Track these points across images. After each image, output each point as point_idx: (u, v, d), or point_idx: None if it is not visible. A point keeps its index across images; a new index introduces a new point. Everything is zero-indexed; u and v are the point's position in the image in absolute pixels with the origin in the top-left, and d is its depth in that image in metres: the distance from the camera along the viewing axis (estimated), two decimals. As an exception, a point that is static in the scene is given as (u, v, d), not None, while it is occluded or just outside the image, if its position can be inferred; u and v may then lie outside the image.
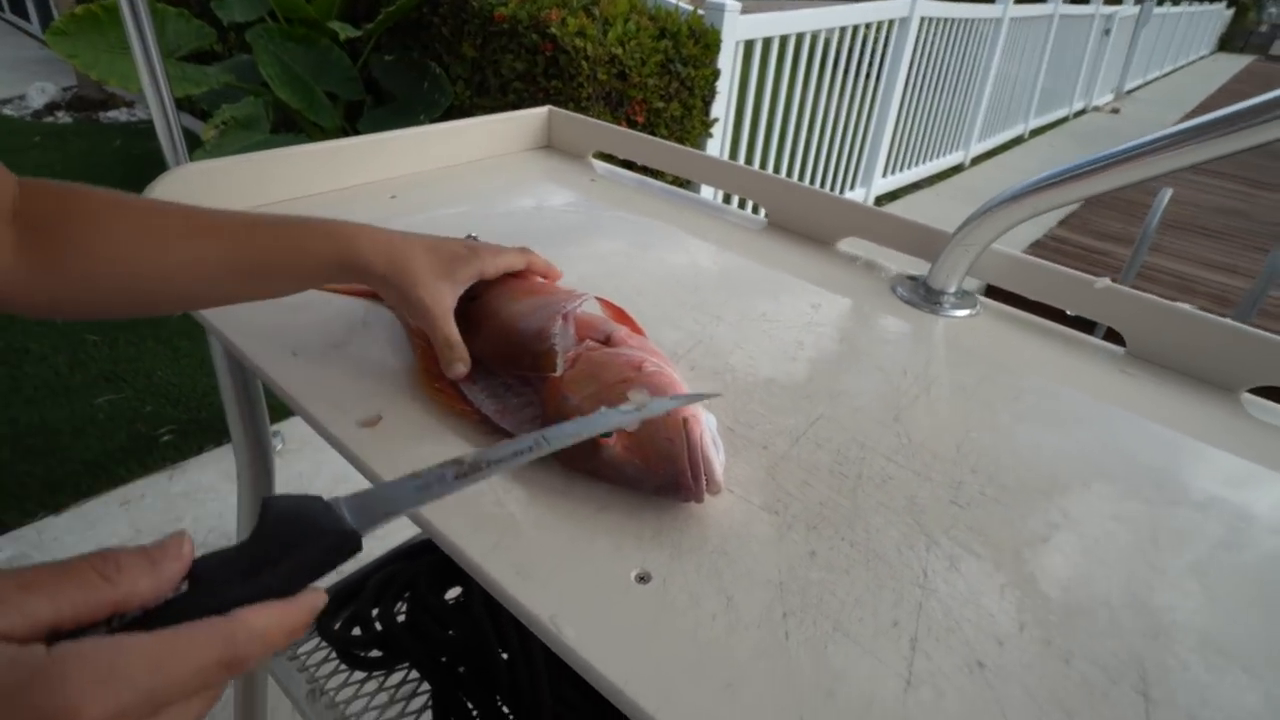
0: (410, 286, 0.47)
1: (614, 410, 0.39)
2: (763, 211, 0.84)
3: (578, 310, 0.50)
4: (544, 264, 0.57)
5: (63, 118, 3.56)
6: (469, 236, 0.58)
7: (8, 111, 3.59)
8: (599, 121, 0.96)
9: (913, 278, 0.72)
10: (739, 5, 2.43)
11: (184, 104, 2.93)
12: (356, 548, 0.28)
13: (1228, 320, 0.60)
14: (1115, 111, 7.30)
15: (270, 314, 0.55)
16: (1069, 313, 0.67)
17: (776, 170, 3.10)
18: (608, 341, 0.47)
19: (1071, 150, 5.40)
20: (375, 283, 0.48)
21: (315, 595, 0.27)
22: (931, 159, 4.32)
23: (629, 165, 0.97)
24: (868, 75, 3.35)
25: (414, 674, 0.90)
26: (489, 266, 0.51)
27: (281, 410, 1.72)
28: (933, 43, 3.64)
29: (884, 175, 3.86)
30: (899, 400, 0.54)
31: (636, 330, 0.52)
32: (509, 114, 0.96)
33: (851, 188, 3.68)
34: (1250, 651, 0.37)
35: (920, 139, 4.07)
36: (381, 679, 0.89)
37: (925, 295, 0.69)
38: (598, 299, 0.56)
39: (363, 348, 0.55)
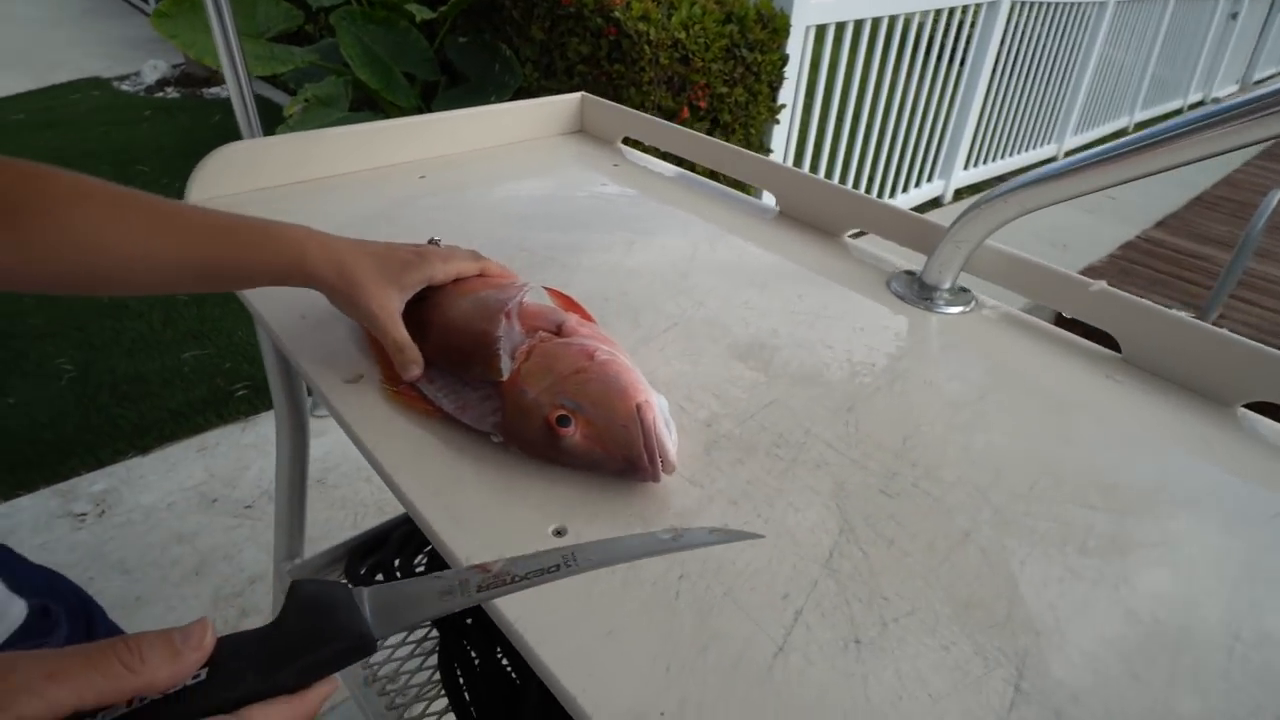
0: (358, 294, 0.49)
1: (651, 535, 0.35)
2: (771, 200, 0.85)
3: (522, 302, 0.52)
4: (497, 269, 0.57)
5: (171, 93, 3.83)
6: (431, 240, 0.60)
7: (125, 87, 3.89)
8: (627, 108, 0.98)
9: (909, 273, 0.72)
10: (811, -11, 2.39)
11: (275, 81, 3.10)
12: (371, 651, 0.28)
13: (1224, 331, 0.58)
14: (1238, 104, 6.73)
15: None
16: (1065, 314, 0.66)
17: (848, 160, 3.03)
18: (559, 331, 0.50)
19: (1181, 145, 5.03)
20: (325, 290, 0.50)
21: (328, 687, 0.27)
22: (1020, 151, 4.12)
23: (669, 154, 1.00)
24: (950, 61, 3.22)
25: (426, 621, 0.97)
26: (438, 272, 0.53)
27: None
28: (1026, 26, 3.46)
29: (965, 168, 3.71)
30: (858, 391, 0.55)
31: (587, 318, 0.54)
32: (542, 99, 0.99)
33: (929, 179, 3.56)
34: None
35: (1008, 130, 3.88)
36: (395, 623, 0.96)
37: (919, 291, 0.69)
38: (545, 288, 0.58)
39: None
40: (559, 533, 0.41)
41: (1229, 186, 4.09)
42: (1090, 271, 3.07)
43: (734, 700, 0.34)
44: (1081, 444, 0.52)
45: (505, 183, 0.87)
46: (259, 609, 1.38)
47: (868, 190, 3.18)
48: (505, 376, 0.47)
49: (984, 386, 0.57)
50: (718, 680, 0.34)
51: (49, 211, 0.43)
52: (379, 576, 1.00)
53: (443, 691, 0.91)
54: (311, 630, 0.27)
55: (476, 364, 0.48)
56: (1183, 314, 0.61)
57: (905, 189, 3.42)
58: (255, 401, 1.87)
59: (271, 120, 2.00)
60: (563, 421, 0.43)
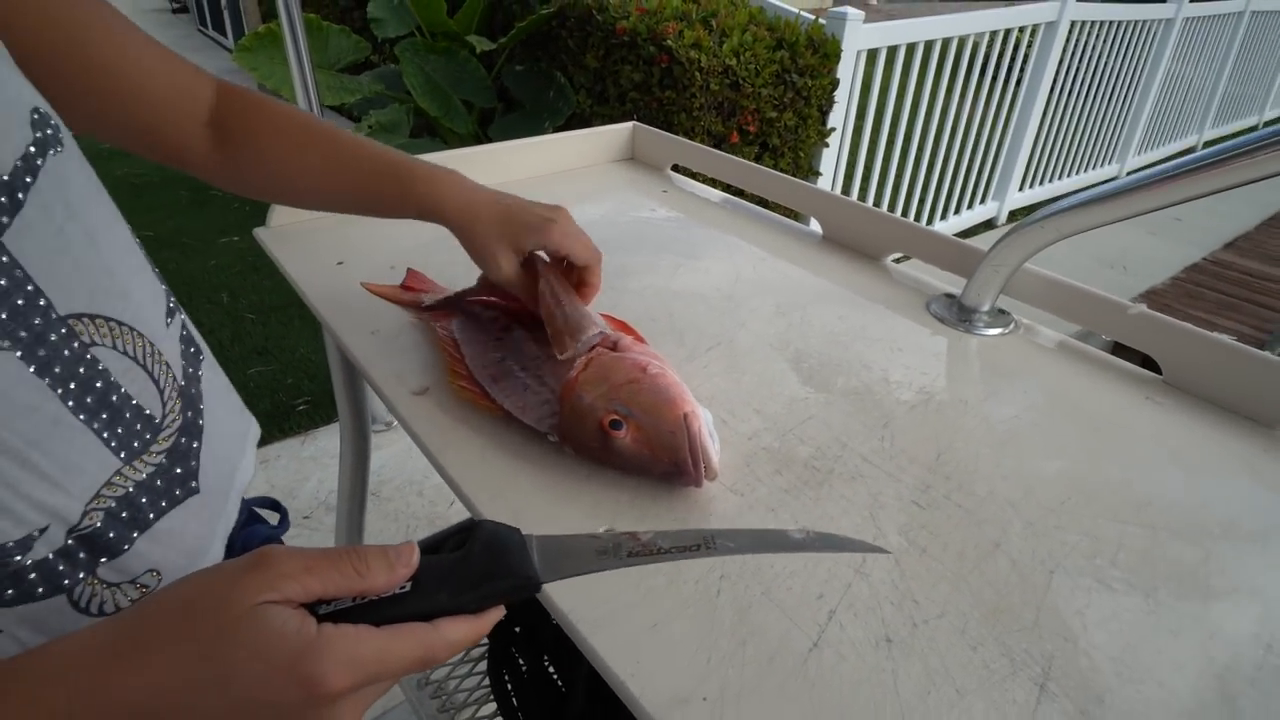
0: (470, 241, 0.57)
1: (787, 531, 0.42)
2: (818, 225, 0.88)
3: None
4: (598, 279, 0.60)
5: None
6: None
7: (206, 115, 4.15)
8: (676, 137, 1.03)
9: (949, 295, 0.74)
10: (861, 14, 2.42)
11: (341, 110, 3.26)
12: (536, 590, 0.32)
13: (1265, 353, 0.58)
14: (1315, 121, 6.47)
15: (362, 300, 0.66)
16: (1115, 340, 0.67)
17: (899, 182, 3.03)
18: (615, 347, 0.54)
19: (1251, 164, 4.85)
20: (449, 228, 0.58)
21: (496, 613, 0.32)
22: (1079, 172, 4.04)
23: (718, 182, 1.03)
24: (1006, 81, 3.20)
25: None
26: (556, 243, 0.57)
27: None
28: (1086, 45, 3.41)
29: (1021, 189, 3.66)
30: (894, 408, 0.57)
31: (639, 339, 0.58)
32: (594, 129, 1.05)
33: (983, 201, 3.52)
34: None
35: (1067, 150, 3.82)
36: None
37: (958, 313, 0.71)
38: (603, 315, 0.62)
39: (427, 331, 0.65)
40: (609, 532, 0.45)
41: (1304, 206, 3.92)
42: (1152, 294, 2.99)
43: (770, 689, 0.36)
44: (1116, 462, 0.53)
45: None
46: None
47: (919, 213, 3.16)
48: (565, 354, 0.53)
49: (1020, 406, 0.59)
50: (755, 671, 0.37)
51: (253, 141, 0.56)
52: (434, 582, 1.04)
53: (491, 697, 0.95)
54: (491, 564, 0.32)
55: (565, 337, 0.54)
56: (1225, 337, 0.61)
57: (958, 211, 3.38)
58: (315, 416, 1.96)
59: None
60: (615, 425, 0.47)
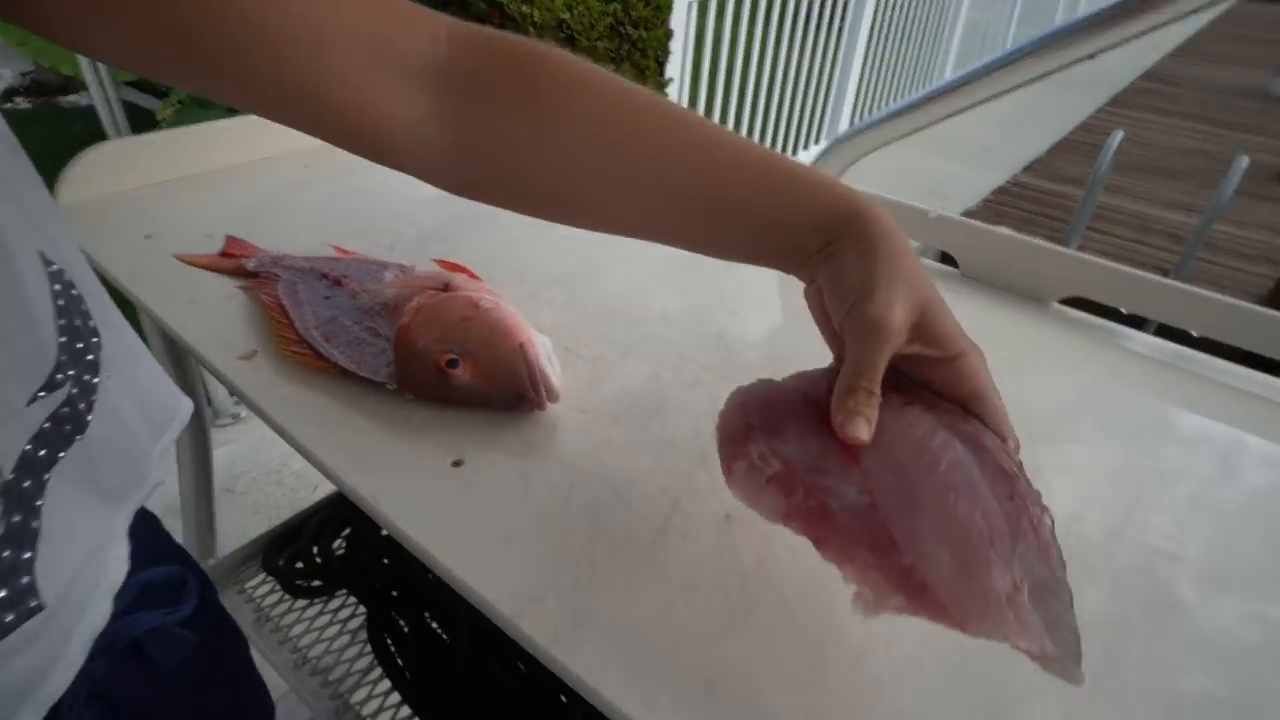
0: (877, 271, 0.34)
1: None
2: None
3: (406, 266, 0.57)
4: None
5: (21, 104, 3.56)
6: None
7: (-33, 101, 3.60)
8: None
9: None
10: (687, -36, 2.45)
11: (143, 86, 2.94)
12: None
13: (1039, 240, 0.67)
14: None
15: (179, 274, 0.62)
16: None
17: (737, 127, 3.13)
18: (447, 289, 0.54)
19: (1044, 94, 5.41)
20: (851, 285, 0.34)
21: None
22: (899, 111, 4.34)
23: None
24: (829, 29, 3.36)
25: (351, 599, 0.98)
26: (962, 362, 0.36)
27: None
28: (894, -7, 3.65)
29: (849, 126, 3.88)
30: (728, 322, 0.61)
31: (473, 277, 0.58)
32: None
33: (816, 142, 3.71)
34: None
35: (887, 91, 4.08)
36: (322, 605, 0.98)
37: (783, 230, 0.75)
38: (434, 260, 0.62)
39: (252, 299, 0.62)
40: (457, 463, 0.45)
41: (1085, 131, 4.42)
42: (967, 215, 3.28)
43: (620, 575, 0.39)
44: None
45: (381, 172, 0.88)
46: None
47: (760, 158, 3.28)
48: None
49: (840, 306, 0.64)
50: (605, 562, 0.39)
51: (546, 112, 0.36)
52: (299, 564, 1.01)
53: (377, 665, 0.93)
54: None
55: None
56: (1005, 230, 0.69)
57: (794, 152, 3.55)
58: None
59: (142, 127, 1.91)
60: (452, 364, 0.47)
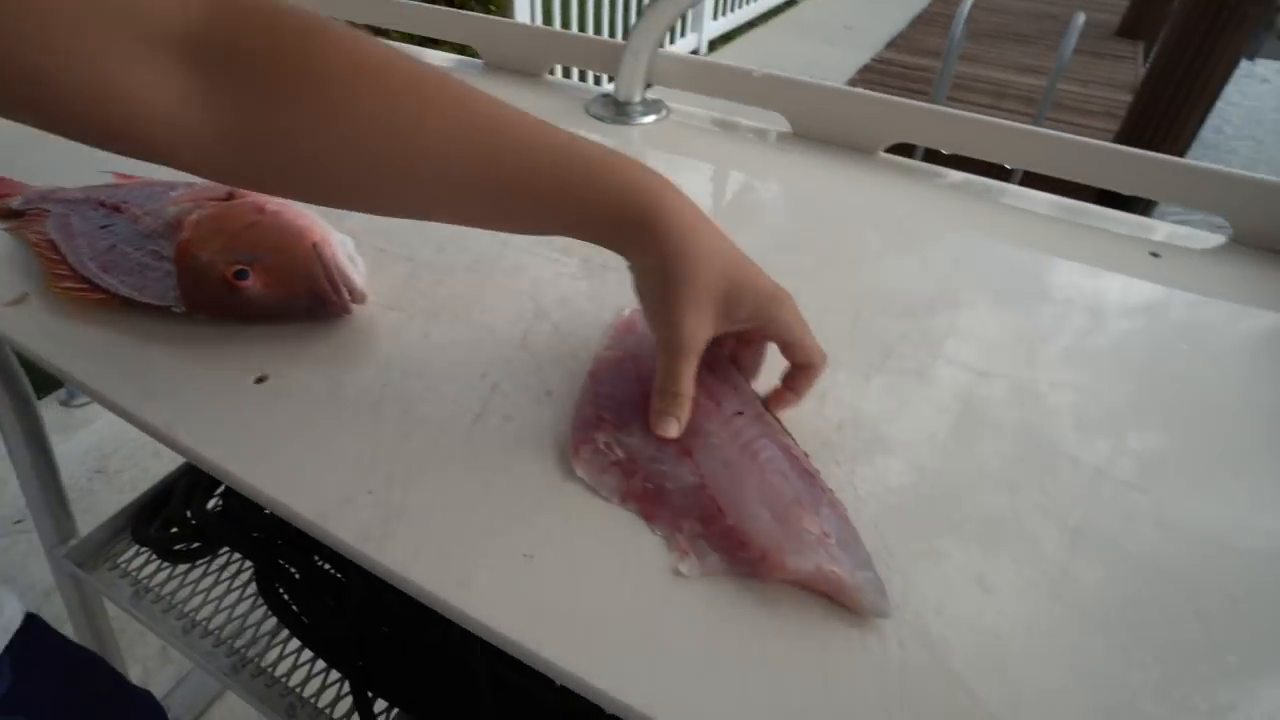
0: (672, 282, 0.36)
1: None
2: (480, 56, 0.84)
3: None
4: (807, 389, 0.40)
5: None
6: None
7: None
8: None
9: (606, 95, 0.75)
10: None
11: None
12: None
13: (861, 91, 0.66)
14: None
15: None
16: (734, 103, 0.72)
17: (598, 25, 3.00)
18: (231, 197, 0.49)
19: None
20: (640, 268, 0.38)
21: None
22: (762, -2, 4.27)
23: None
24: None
25: (237, 556, 0.94)
26: (785, 326, 0.38)
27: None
28: None
29: (715, 18, 3.80)
30: (553, 202, 0.58)
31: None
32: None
33: (683, 35, 3.62)
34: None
35: (747, -23, 4.00)
36: (205, 566, 0.94)
37: (615, 109, 0.72)
38: None
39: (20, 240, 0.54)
40: (260, 379, 0.42)
41: (942, 3, 4.49)
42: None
43: (435, 465, 0.37)
44: (761, 207, 0.59)
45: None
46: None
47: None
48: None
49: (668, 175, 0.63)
50: (421, 454, 0.38)
51: (295, 88, 0.31)
52: (174, 530, 0.95)
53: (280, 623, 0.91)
54: None
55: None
56: (830, 82, 0.69)
57: (662, 45, 3.45)
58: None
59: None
60: (240, 275, 0.43)
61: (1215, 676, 0.30)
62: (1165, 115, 2.90)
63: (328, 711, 0.83)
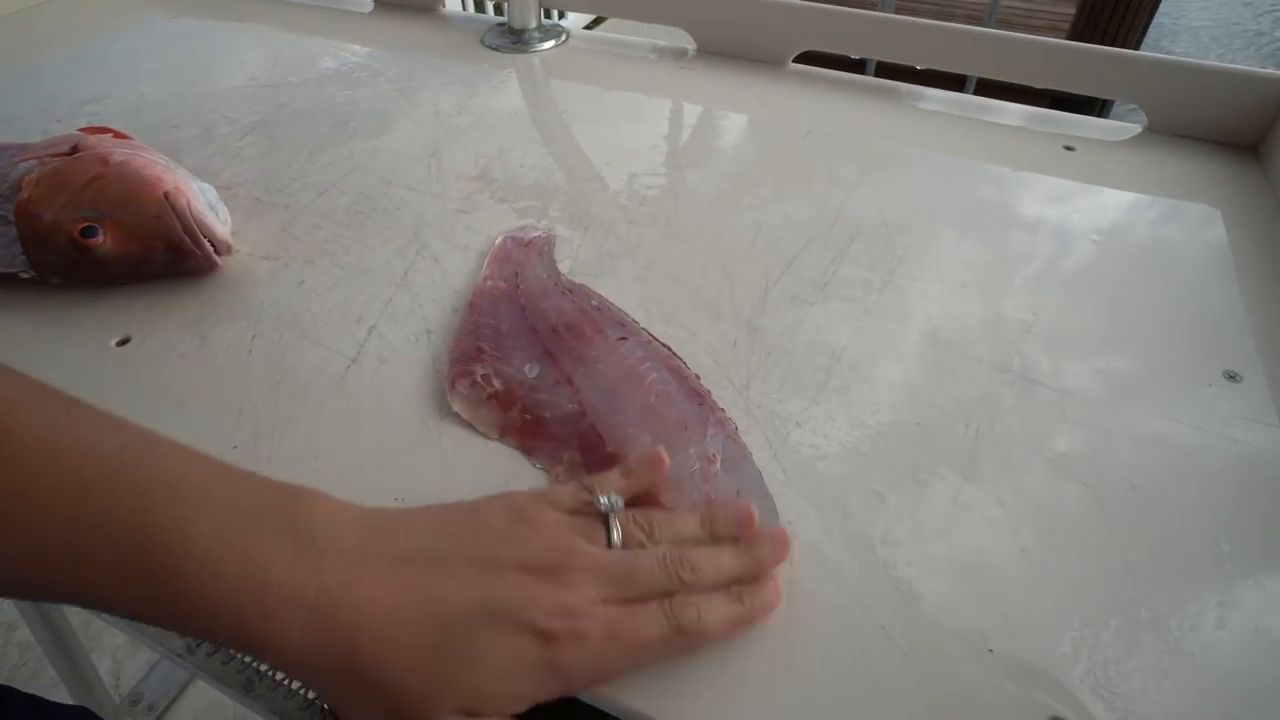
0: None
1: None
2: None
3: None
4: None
5: None
6: None
7: None
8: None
9: (501, 24, 0.71)
10: None
11: None
12: None
13: (766, -2, 0.63)
14: None
15: None
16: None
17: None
18: (75, 150, 0.45)
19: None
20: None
21: None
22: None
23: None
24: None
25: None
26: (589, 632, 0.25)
27: None
28: None
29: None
30: (442, 137, 0.55)
31: (121, 136, 0.49)
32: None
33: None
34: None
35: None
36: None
37: (512, 38, 0.69)
38: (81, 129, 0.52)
39: None
40: (123, 342, 0.39)
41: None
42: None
43: (306, 415, 0.35)
44: (656, 128, 0.57)
45: (44, 49, 0.73)
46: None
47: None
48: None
49: (566, 102, 0.60)
50: (290, 406, 0.36)
51: None
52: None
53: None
54: None
55: None
56: (730, -9, 0.65)
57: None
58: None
59: None
60: (88, 233, 0.40)
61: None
62: (1109, 22, 2.87)
63: (286, 682, 0.82)
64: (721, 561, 0.27)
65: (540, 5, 0.68)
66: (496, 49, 0.68)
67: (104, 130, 0.50)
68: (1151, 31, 3.12)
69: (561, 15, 0.69)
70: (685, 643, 0.25)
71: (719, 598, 0.26)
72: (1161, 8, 2.95)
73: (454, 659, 0.23)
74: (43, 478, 0.23)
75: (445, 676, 0.23)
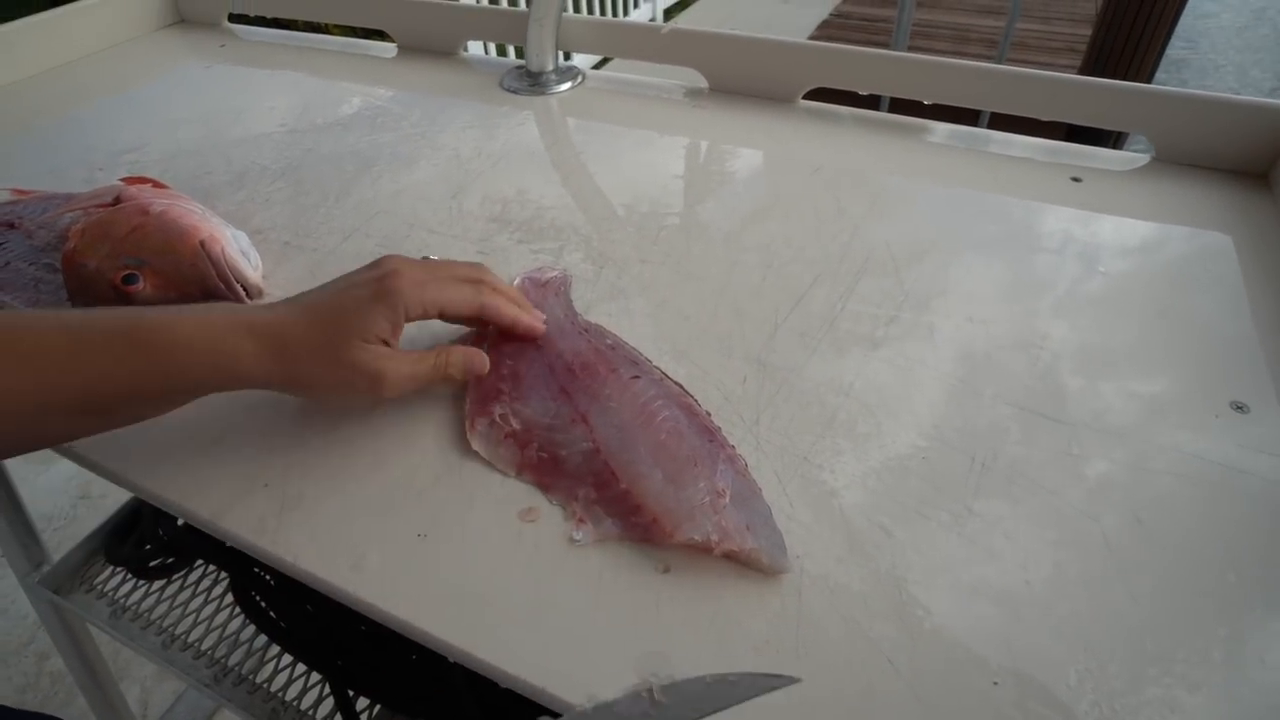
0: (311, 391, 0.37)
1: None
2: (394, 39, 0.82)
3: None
4: (508, 296, 0.41)
5: None
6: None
7: None
8: (212, -21, 0.89)
9: (519, 67, 0.74)
10: None
11: None
12: None
13: (777, 38, 0.65)
14: None
15: None
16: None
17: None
18: (117, 201, 0.48)
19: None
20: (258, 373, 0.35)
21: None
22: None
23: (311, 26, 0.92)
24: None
25: (211, 567, 0.95)
26: (415, 306, 0.37)
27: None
28: None
29: (667, -15, 3.75)
30: (462, 180, 0.57)
31: (160, 186, 0.52)
32: (108, -8, 0.88)
33: (636, 6, 3.57)
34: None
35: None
36: (181, 580, 0.94)
37: (529, 80, 0.71)
38: (121, 179, 0.55)
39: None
40: (159, 384, 0.41)
41: (897, -53, 4.42)
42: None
43: (335, 450, 0.37)
44: (672, 165, 0.59)
45: (86, 101, 0.77)
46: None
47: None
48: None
49: (582, 143, 0.62)
50: (318, 441, 0.37)
51: None
52: (147, 547, 0.95)
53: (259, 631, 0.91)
54: None
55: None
56: (739, 32, 0.68)
57: (620, 13, 3.41)
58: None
59: None
60: (129, 280, 0.43)
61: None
62: (1127, 42, 2.87)
63: (310, 713, 0.83)
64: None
65: (557, 48, 0.70)
66: (514, 91, 0.71)
67: (144, 180, 0.53)
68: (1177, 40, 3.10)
69: (568, 56, 0.71)
70: (476, 299, 0.39)
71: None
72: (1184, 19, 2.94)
73: (338, 320, 0.35)
74: (40, 327, 0.33)
75: (339, 328, 0.35)
